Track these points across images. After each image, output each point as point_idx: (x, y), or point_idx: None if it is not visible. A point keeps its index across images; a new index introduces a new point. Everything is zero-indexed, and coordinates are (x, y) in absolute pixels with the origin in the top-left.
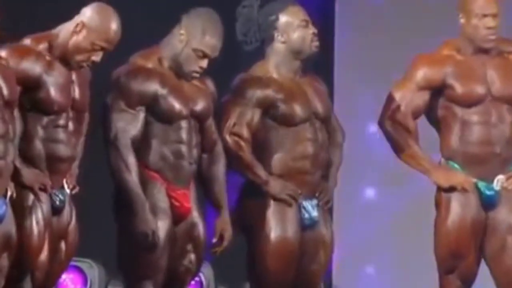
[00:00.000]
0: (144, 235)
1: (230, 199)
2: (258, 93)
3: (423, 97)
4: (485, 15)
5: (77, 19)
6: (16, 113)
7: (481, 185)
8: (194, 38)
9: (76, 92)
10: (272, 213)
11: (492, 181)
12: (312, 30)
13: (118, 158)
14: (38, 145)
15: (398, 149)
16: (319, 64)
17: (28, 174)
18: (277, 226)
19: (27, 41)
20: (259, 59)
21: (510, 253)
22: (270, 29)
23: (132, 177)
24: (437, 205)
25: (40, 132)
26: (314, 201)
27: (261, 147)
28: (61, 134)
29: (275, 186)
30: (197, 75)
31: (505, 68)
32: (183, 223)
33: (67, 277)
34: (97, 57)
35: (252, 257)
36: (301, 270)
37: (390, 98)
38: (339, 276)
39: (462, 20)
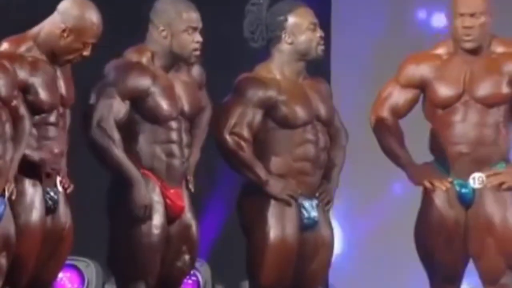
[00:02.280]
0: (140, 208)
1: (229, 198)
2: (260, 94)
3: (405, 95)
4: (461, 14)
5: (58, 18)
6: (23, 111)
7: (457, 183)
8: (175, 25)
9: (63, 88)
10: (271, 212)
11: (466, 179)
12: (319, 33)
13: (105, 137)
14: (31, 143)
15: (380, 145)
16: (316, 64)
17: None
18: (277, 226)
19: (5, 46)
20: (266, 56)
21: (490, 252)
22: (278, 29)
23: (121, 152)
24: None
25: (32, 131)
26: (314, 201)
27: (262, 148)
28: (52, 132)
29: (275, 185)
30: (198, 52)
31: (486, 69)
32: (177, 224)
33: (64, 276)
34: (87, 52)
35: (251, 256)
36: (300, 270)
37: (377, 96)
38: (336, 275)
39: (452, 20)
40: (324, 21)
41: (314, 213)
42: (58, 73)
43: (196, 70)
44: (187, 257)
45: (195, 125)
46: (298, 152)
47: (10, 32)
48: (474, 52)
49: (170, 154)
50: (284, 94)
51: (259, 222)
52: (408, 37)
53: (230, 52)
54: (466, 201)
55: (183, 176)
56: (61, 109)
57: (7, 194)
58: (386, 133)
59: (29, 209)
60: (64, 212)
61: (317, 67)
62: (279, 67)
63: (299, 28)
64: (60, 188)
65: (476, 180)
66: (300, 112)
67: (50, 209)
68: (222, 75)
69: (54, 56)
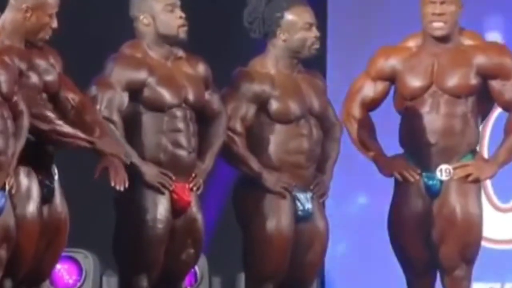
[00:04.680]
0: (156, 187)
1: (225, 190)
2: (253, 88)
3: (375, 88)
4: (432, 2)
5: (15, 3)
6: (22, 106)
7: (424, 175)
8: (152, 8)
9: (47, 75)
10: (266, 205)
11: (434, 171)
12: (314, 33)
13: (111, 128)
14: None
15: (350, 137)
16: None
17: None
18: (272, 218)
19: None
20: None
21: (449, 243)
22: (273, 25)
23: (127, 144)
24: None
25: None
26: (309, 194)
27: (256, 142)
28: None
29: (269, 179)
30: (186, 27)
31: (455, 60)
32: (182, 217)
33: (62, 267)
34: (55, 23)
35: (247, 248)
36: (296, 262)
37: (348, 89)
38: (333, 269)
39: (421, 8)
40: (320, 15)
41: (308, 205)
42: (37, 61)
43: (201, 67)
44: (191, 250)
45: (211, 133)
46: (292, 146)
47: None
48: (442, 42)
49: (176, 144)
50: (277, 88)
51: (255, 215)
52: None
53: (229, 45)
54: (434, 193)
55: (191, 169)
56: (44, 95)
57: (7, 187)
58: (357, 126)
59: (25, 200)
60: (60, 202)
61: (312, 63)
62: (273, 61)
63: (293, 27)
64: (55, 177)
65: (443, 172)
66: (293, 107)
67: (46, 198)
68: (221, 68)
69: (27, 41)
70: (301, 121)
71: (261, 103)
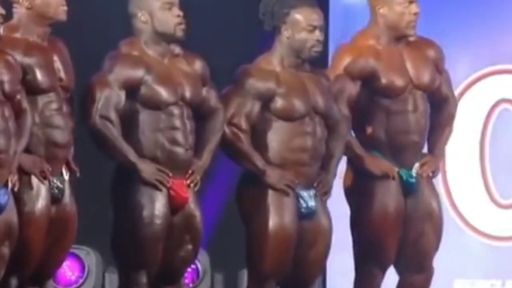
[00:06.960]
0: (153, 184)
1: (227, 186)
2: (258, 85)
3: (356, 87)
4: (411, 2)
5: (15, 2)
6: (25, 105)
7: (404, 173)
8: (149, 5)
9: (62, 72)
10: (270, 201)
11: (411, 169)
12: (316, 36)
13: (107, 126)
14: (36, 131)
15: None
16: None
17: (27, 160)
18: (275, 214)
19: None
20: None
21: (427, 239)
22: (280, 20)
23: (123, 141)
24: (354, 192)
25: (36, 118)
26: (312, 191)
27: (260, 139)
28: (57, 119)
29: (272, 176)
30: (183, 25)
31: (418, 56)
32: (180, 213)
33: (65, 264)
34: None
35: (250, 245)
36: (299, 259)
37: None
38: (333, 268)
39: (381, 10)
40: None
41: (312, 203)
42: (55, 57)
43: (198, 64)
44: (189, 247)
45: (208, 129)
46: (295, 144)
47: None
48: (400, 39)
49: (173, 141)
50: (282, 86)
51: (258, 212)
52: None
53: (234, 41)
54: (413, 190)
55: (188, 166)
56: (62, 93)
57: (10, 185)
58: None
59: (35, 198)
60: (69, 202)
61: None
62: (278, 58)
63: (297, 26)
64: (66, 177)
65: (414, 169)
66: (298, 105)
67: (56, 198)
68: (225, 65)
69: (50, 25)
70: (305, 119)
71: (266, 100)
